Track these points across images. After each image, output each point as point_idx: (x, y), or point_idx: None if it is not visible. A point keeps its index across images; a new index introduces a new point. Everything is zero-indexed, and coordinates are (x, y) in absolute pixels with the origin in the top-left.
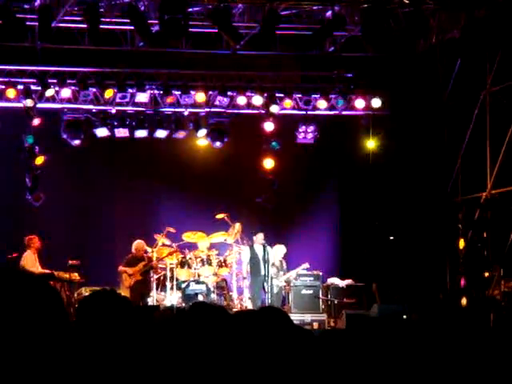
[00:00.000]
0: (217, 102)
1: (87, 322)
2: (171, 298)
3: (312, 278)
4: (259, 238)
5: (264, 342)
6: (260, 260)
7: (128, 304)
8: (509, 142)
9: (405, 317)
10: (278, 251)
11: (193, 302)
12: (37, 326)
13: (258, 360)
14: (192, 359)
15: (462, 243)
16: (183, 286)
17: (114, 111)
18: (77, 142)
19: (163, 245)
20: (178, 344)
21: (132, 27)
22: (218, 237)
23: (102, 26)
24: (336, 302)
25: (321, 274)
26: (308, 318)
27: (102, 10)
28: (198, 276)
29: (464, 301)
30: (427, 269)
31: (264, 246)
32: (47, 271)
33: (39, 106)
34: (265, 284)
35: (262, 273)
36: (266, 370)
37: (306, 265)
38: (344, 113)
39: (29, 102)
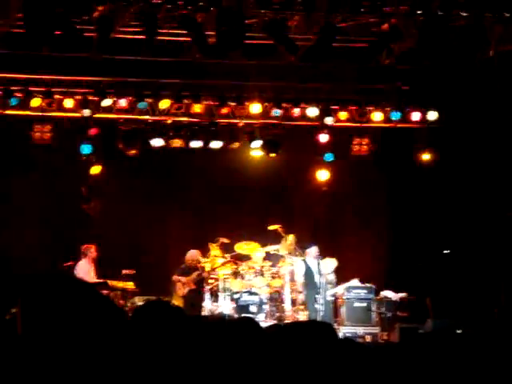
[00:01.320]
0: (271, 114)
1: (141, 331)
2: (223, 309)
3: (365, 291)
4: (313, 251)
5: (308, 354)
6: (314, 273)
7: (181, 314)
8: None
9: (459, 331)
10: (329, 264)
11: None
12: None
13: (302, 373)
14: (235, 370)
15: None
16: (236, 296)
17: (169, 122)
18: (133, 152)
19: (216, 255)
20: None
21: (189, 38)
22: (272, 248)
23: (159, 37)
24: (389, 315)
25: (374, 286)
26: (361, 330)
27: (159, 20)
28: (251, 287)
29: None
30: (482, 283)
31: (317, 260)
32: (101, 280)
33: (96, 116)
34: (317, 296)
35: (317, 285)
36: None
37: (356, 281)
38: (399, 125)
39: (86, 112)
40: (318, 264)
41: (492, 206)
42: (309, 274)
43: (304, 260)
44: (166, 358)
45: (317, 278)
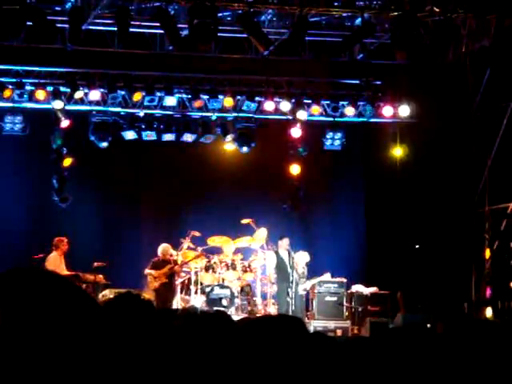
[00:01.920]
0: (244, 107)
1: (110, 324)
2: (195, 302)
3: (336, 285)
4: (284, 243)
5: (277, 349)
6: (287, 265)
7: (151, 307)
8: None
9: (429, 326)
10: (301, 258)
11: (216, 306)
12: (61, 323)
13: (273, 367)
14: (206, 364)
15: (488, 253)
16: (207, 290)
17: (141, 114)
18: (104, 145)
19: (188, 248)
20: (194, 348)
21: (161, 31)
22: (243, 242)
23: (131, 29)
24: (360, 309)
25: (345, 281)
26: (332, 324)
27: (132, 13)
28: (223, 280)
29: (489, 311)
30: (453, 278)
31: (289, 252)
32: (72, 273)
33: (68, 107)
34: (289, 290)
35: (289, 279)
36: (282, 378)
37: (328, 275)
38: (372, 120)
39: (58, 104)
40: (290, 256)
41: (464, 202)
42: (281, 266)
43: (276, 252)
44: (136, 351)
45: (289, 271)
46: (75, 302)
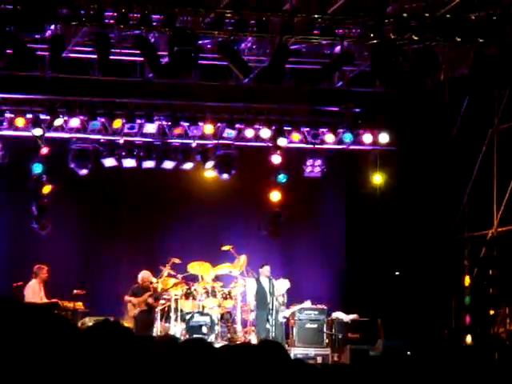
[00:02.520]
0: (225, 134)
1: (89, 352)
2: (175, 330)
3: (316, 312)
4: (265, 270)
5: (260, 376)
6: (266, 293)
7: (130, 335)
8: None
9: (409, 353)
10: (281, 285)
11: (196, 333)
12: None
13: None
14: None
15: (467, 280)
16: (187, 317)
17: (122, 141)
18: (84, 172)
19: (168, 275)
20: (174, 377)
21: (142, 58)
22: (224, 268)
23: (111, 57)
24: (340, 336)
25: (325, 308)
26: (312, 352)
27: (112, 40)
28: (203, 308)
29: (469, 338)
30: (432, 305)
31: (270, 279)
32: (51, 300)
33: (48, 135)
34: (269, 317)
35: (269, 306)
36: None
37: (308, 302)
38: (352, 147)
39: (37, 131)
40: (271, 283)
41: (443, 229)
42: (261, 293)
43: (257, 279)
44: (115, 378)
45: (269, 298)
46: (51, 330)
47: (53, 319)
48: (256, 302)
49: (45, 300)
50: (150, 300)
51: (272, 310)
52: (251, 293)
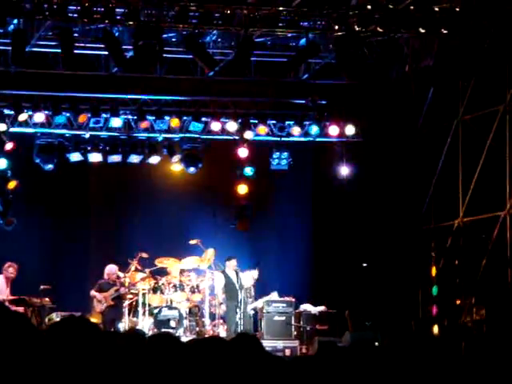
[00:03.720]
0: (191, 128)
1: (56, 348)
2: (143, 324)
3: (284, 305)
4: (232, 263)
5: (236, 369)
6: (235, 285)
7: (96, 330)
8: (480, 170)
9: (377, 344)
10: (248, 277)
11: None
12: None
13: None
14: None
15: (434, 271)
16: (155, 311)
17: (87, 136)
18: (50, 167)
19: (136, 270)
20: (141, 371)
21: (106, 52)
22: (191, 262)
23: (76, 51)
24: (308, 328)
25: (293, 300)
26: (280, 344)
27: (76, 34)
28: (171, 302)
29: (436, 329)
30: (400, 296)
31: (237, 272)
32: (17, 297)
33: (12, 130)
34: (237, 310)
35: (237, 298)
36: None
37: (275, 294)
38: (318, 139)
39: (1, 127)
40: (238, 276)
41: (410, 220)
42: (229, 285)
43: (223, 272)
44: (83, 375)
45: (237, 290)
46: (14, 328)
47: (10, 317)
48: (224, 295)
49: (10, 297)
50: (123, 290)
51: (240, 302)
52: (219, 286)
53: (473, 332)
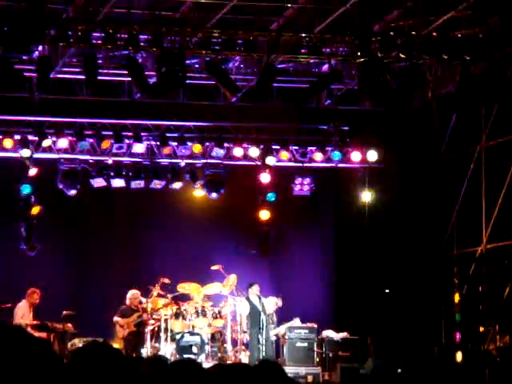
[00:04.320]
0: (213, 154)
1: (79, 374)
2: (165, 350)
3: (307, 331)
4: (254, 289)
5: None
6: (260, 312)
7: (119, 356)
8: (504, 196)
9: (399, 371)
10: (270, 304)
11: (186, 353)
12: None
13: None
14: None
15: (457, 297)
16: (177, 337)
17: (110, 162)
18: (73, 192)
19: (158, 295)
20: None
21: (130, 78)
22: (213, 288)
23: (99, 77)
24: (331, 355)
25: (316, 326)
26: (302, 370)
27: (100, 61)
28: (193, 327)
29: (459, 356)
30: (422, 323)
31: (259, 298)
32: (40, 322)
33: (36, 156)
34: (259, 336)
35: (260, 325)
36: None
37: (297, 320)
38: (340, 165)
39: (26, 152)
40: (260, 301)
41: (432, 246)
42: (253, 312)
43: (247, 298)
44: None
45: (261, 316)
46: (37, 355)
47: (33, 343)
48: (248, 321)
49: (33, 322)
50: (145, 316)
51: (262, 328)
52: (244, 313)
53: (496, 359)
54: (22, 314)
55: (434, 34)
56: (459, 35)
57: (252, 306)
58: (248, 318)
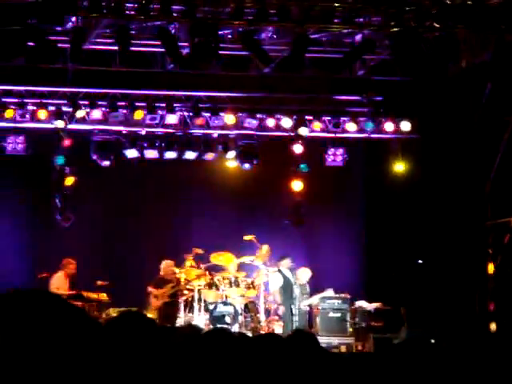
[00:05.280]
0: (246, 124)
1: (112, 343)
2: (199, 320)
3: (340, 301)
4: (287, 262)
5: (293, 365)
6: (291, 284)
7: (153, 325)
8: None
9: (433, 341)
10: (303, 274)
11: (219, 323)
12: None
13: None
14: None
15: (491, 268)
16: (211, 307)
17: (143, 133)
18: (106, 163)
19: (191, 266)
20: (197, 366)
21: (163, 49)
22: (246, 258)
23: (132, 48)
24: (364, 325)
25: (348, 296)
26: (335, 341)
27: (133, 32)
28: (226, 298)
29: (493, 326)
30: (456, 293)
31: (291, 270)
32: (75, 292)
33: (70, 127)
34: (292, 307)
35: (293, 296)
36: None
37: (330, 291)
38: (373, 136)
39: (60, 123)
40: (293, 273)
41: (466, 216)
42: (286, 284)
43: (280, 270)
44: (140, 369)
45: (293, 288)
46: (73, 322)
47: (69, 310)
48: (281, 293)
49: (69, 292)
50: (180, 285)
51: (295, 299)
52: (277, 285)
53: None
54: (58, 284)
55: (469, 2)
56: (494, 3)
57: (284, 278)
58: (281, 291)
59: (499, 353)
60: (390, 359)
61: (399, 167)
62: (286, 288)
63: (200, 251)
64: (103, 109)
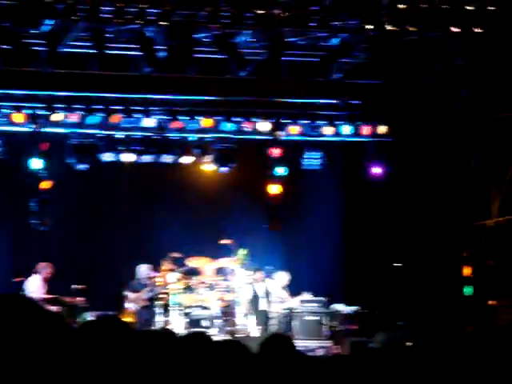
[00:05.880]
0: (223, 128)
1: (87, 347)
2: (176, 324)
3: (317, 304)
4: (259, 275)
5: (268, 369)
6: (258, 298)
7: (128, 329)
8: None
9: (409, 344)
10: (280, 279)
11: (196, 327)
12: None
13: None
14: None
15: (467, 271)
16: (187, 311)
17: (119, 136)
18: (83, 167)
19: (168, 270)
20: (173, 370)
21: (139, 53)
22: (223, 262)
23: (108, 52)
24: (341, 328)
25: (325, 300)
26: (312, 344)
27: (109, 35)
28: (203, 301)
29: (470, 329)
30: (432, 296)
31: (264, 281)
32: (51, 296)
33: (45, 130)
34: (268, 313)
35: (259, 308)
36: None
37: (307, 294)
38: (350, 139)
39: (35, 127)
40: (265, 286)
41: (443, 219)
42: (254, 298)
43: (251, 284)
44: (115, 374)
45: (260, 302)
46: (49, 327)
47: (45, 316)
48: (250, 305)
49: (45, 296)
50: (156, 289)
51: (269, 307)
52: (246, 297)
53: (506, 331)
54: (34, 288)
55: (445, 6)
56: (469, 7)
57: (254, 292)
58: (249, 302)
59: (476, 354)
60: (366, 362)
61: (376, 170)
62: (254, 301)
63: (177, 255)
64: (79, 112)
